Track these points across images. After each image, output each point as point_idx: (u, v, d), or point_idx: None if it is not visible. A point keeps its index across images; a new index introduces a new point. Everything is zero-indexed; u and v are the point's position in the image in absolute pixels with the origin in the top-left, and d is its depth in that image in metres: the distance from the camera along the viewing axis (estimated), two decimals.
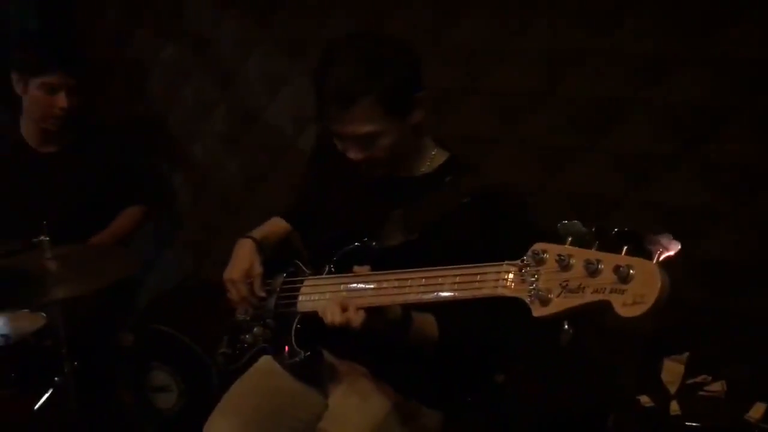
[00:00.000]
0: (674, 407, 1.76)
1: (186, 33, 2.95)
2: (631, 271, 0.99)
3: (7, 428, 2.11)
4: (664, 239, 1.00)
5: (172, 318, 2.69)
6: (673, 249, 1.00)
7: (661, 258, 0.99)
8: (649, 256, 1.00)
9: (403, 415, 1.68)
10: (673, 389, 1.81)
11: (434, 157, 1.68)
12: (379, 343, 1.59)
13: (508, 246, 1.19)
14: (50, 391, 2.13)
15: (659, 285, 0.97)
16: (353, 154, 1.59)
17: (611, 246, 1.03)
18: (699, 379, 1.79)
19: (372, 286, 1.41)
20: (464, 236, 1.34)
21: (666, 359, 1.86)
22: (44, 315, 2.19)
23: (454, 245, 1.29)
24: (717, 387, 1.76)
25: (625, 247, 1.02)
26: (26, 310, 2.24)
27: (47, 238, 2.02)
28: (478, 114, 2.29)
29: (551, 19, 2.08)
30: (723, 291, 1.98)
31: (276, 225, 1.90)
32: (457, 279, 1.26)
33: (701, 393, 1.77)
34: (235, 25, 2.81)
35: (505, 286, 1.17)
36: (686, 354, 1.84)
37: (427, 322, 1.54)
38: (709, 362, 1.81)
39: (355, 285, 1.45)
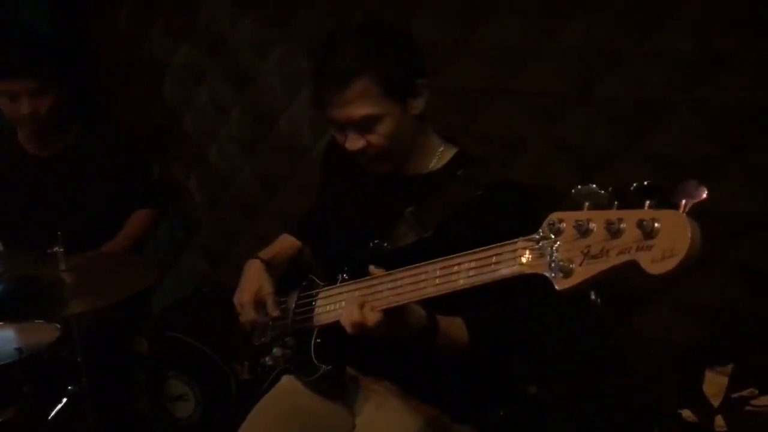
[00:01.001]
0: (719, 422, 1.69)
1: (202, 33, 2.89)
2: (656, 225, 0.91)
3: None
4: (690, 187, 0.93)
5: (189, 325, 2.64)
6: (700, 195, 0.92)
7: (689, 207, 0.91)
8: (674, 208, 0.92)
9: (433, 431, 1.61)
10: (716, 403, 1.73)
11: (442, 153, 1.64)
12: (407, 356, 1.54)
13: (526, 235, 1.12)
14: (64, 401, 2.09)
15: (689, 234, 0.88)
16: (352, 143, 1.54)
17: (632, 203, 0.96)
18: (745, 392, 1.71)
19: (388, 286, 1.35)
20: (480, 229, 1.29)
21: (708, 371, 1.78)
22: (59, 327, 2.15)
23: (470, 239, 1.23)
24: (765, 401, 1.69)
25: (648, 202, 0.94)
26: (40, 322, 2.19)
27: (62, 249, 1.97)
28: (509, 115, 2.22)
29: (587, 18, 2.00)
30: None
31: (285, 242, 1.88)
32: (473, 264, 1.20)
33: (748, 408, 1.69)
34: (252, 24, 2.75)
35: (522, 263, 1.11)
36: (730, 365, 1.76)
37: (455, 325, 1.49)
38: (755, 374, 1.73)
39: (370, 289, 1.40)
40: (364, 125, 1.51)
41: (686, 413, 1.74)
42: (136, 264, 2.20)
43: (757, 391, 1.70)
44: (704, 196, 0.92)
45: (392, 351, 1.53)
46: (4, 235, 2.60)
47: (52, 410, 2.08)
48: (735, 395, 1.71)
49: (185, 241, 3.29)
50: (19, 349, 2.03)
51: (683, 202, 0.92)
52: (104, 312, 2.30)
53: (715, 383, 1.77)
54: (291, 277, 1.74)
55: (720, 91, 1.85)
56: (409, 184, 1.62)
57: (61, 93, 2.39)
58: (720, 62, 1.84)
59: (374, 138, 1.52)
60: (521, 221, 1.14)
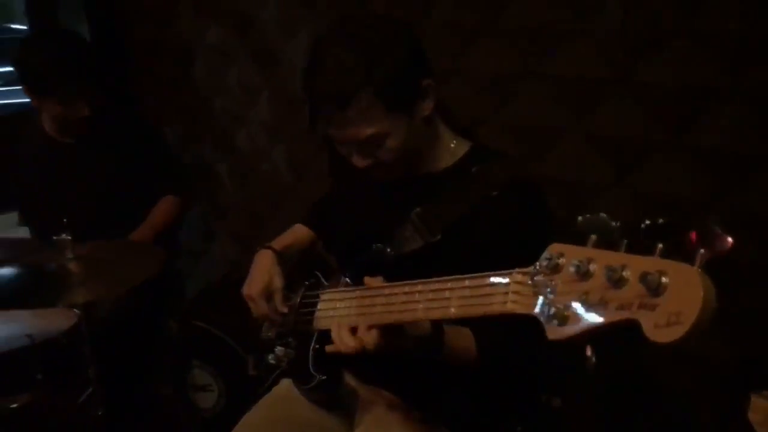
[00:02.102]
0: None
1: (229, 13, 2.82)
2: (664, 279, 0.76)
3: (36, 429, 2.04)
4: (712, 233, 0.78)
5: (215, 314, 2.60)
6: (723, 247, 0.77)
7: (704, 260, 0.76)
8: (689, 258, 0.76)
9: None
10: (762, 431, 1.54)
11: (455, 149, 1.48)
12: (410, 365, 1.42)
13: (544, 246, 0.97)
14: (89, 392, 2.07)
15: (701, 296, 0.73)
16: (358, 161, 1.41)
17: (643, 245, 0.80)
18: None
19: (382, 301, 1.24)
20: (494, 235, 1.18)
21: (754, 396, 1.59)
22: (76, 312, 2.12)
23: (481, 246, 1.14)
24: None
25: (660, 246, 0.79)
26: (54, 309, 2.18)
27: (68, 237, 1.94)
28: (539, 101, 2.05)
29: None
30: None
31: (298, 232, 1.77)
32: (466, 293, 1.08)
33: None
34: (279, 3, 2.65)
35: (515, 301, 0.97)
36: None
37: (463, 336, 1.36)
38: None
39: (365, 300, 1.29)
40: (371, 144, 1.37)
41: None
42: (142, 253, 2.14)
43: None
44: (727, 247, 0.77)
45: (393, 360, 1.41)
46: (29, 219, 2.62)
47: (74, 396, 2.06)
48: None
49: (216, 227, 3.27)
50: (29, 336, 2.00)
51: (701, 252, 0.76)
52: (129, 298, 2.32)
53: (762, 409, 1.58)
54: (302, 270, 1.65)
55: None
56: (418, 183, 1.48)
57: (93, 96, 2.36)
58: None
59: (382, 153, 1.38)
60: (540, 226, 1.00)
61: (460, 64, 2.18)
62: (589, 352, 0.88)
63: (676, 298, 0.75)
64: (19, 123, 2.55)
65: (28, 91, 2.33)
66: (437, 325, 1.29)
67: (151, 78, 3.21)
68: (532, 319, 0.93)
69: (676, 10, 1.75)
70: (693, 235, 0.79)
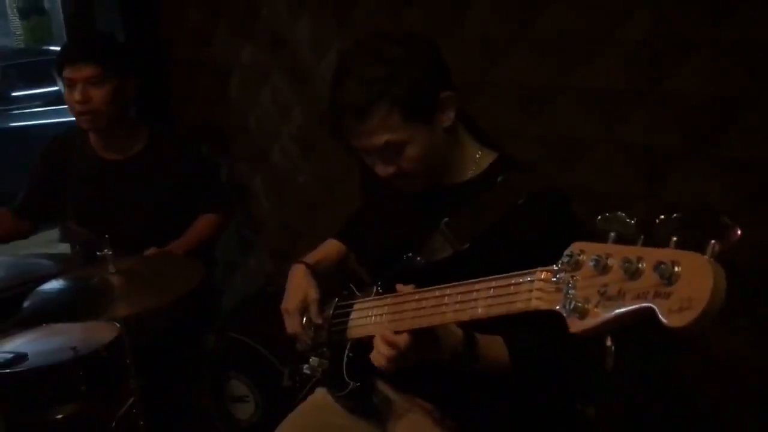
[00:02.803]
0: None
1: (263, 33, 2.89)
2: (677, 269, 0.81)
3: None
4: (722, 225, 0.82)
5: (251, 326, 2.65)
6: (732, 237, 0.81)
7: (716, 250, 0.80)
8: (702, 249, 0.80)
9: None
10: None
11: (480, 159, 1.52)
12: (445, 374, 1.45)
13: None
14: (130, 403, 2.11)
15: (711, 283, 0.77)
16: (381, 170, 1.47)
17: (659, 239, 0.85)
18: None
19: (413, 306, 1.29)
20: (521, 241, 1.22)
21: None
22: (117, 325, 2.18)
23: (508, 253, 1.16)
24: None
25: (674, 239, 0.83)
26: (99, 322, 2.24)
27: (110, 252, 2.00)
28: (569, 112, 2.06)
29: (653, 7, 1.82)
30: None
31: (331, 247, 1.83)
32: (491, 292, 1.13)
33: None
34: (311, 23, 2.71)
35: (539, 297, 1.02)
36: None
37: (496, 344, 1.40)
38: None
39: (397, 307, 1.34)
40: (391, 152, 1.43)
41: None
42: (180, 268, 2.20)
43: None
44: (736, 238, 0.81)
45: (427, 368, 1.44)
46: (72, 234, 2.70)
47: (116, 408, 2.10)
48: None
49: (252, 241, 3.31)
50: (74, 348, 2.07)
51: (711, 243, 0.80)
52: (168, 312, 2.37)
53: None
54: (337, 283, 1.69)
55: None
56: (445, 194, 1.52)
57: (119, 88, 2.43)
58: None
59: (404, 163, 1.44)
60: (565, 234, 1.03)
61: (490, 78, 2.20)
62: (609, 342, 0.93)
63: (688, 286, 0.79)
64: (69, 142, 2.63)
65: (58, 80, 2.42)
66: (470, 334, 1.33)
67: (189, 96, 3.28)
68: (560, 321, 0.95)
69: (702, 21, 1.75)
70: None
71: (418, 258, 1.49)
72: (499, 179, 1.46)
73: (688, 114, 1.83)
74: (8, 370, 1.98)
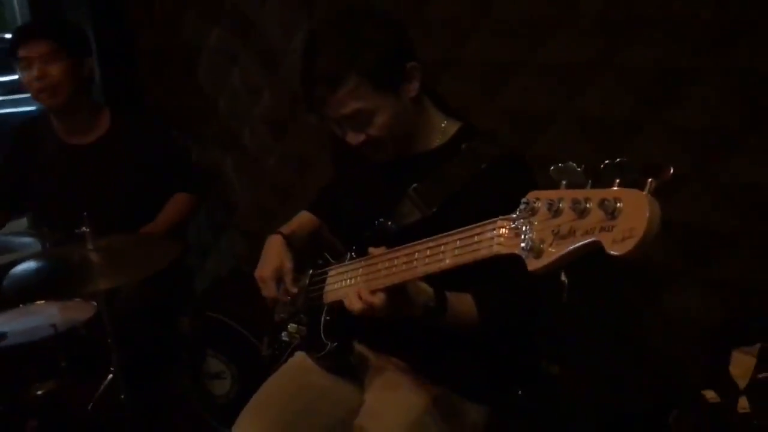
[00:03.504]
0: (743, 404, 1.61)
1: (232, 16, 2.92)
2: (619, 204, 0.90)
3: (60, 417, 2.14)
4: (656, 165, 0.91)
5: (226, 305, 2.70)
6: (665, 175, 0.90)
7: (653, 186, 0.89)
8: (641, 187, 0.90)
9: (444, 410, 1.60)
10: (742, 384, 1.65)
11: (446, 129, 1.60)
12: (416, 333, 1.53)
13: None
14: (110, 377, 2.15)
15: (647, 214, 0.87)
16: (352, 138, 1.53)
17: (604, 182, 0.94)
18: None
19: (386, 265, 1.36)
20: (485, 203, 1.27)
21: (735, 351, 1.70)
22: (95, 304, 2.22)
23: (474, 215, 1.21)
24: None
25: (617, 181, 0.92)
26: (77, 300, 2.28)
27: (88, 230, 2.02)
28: (529, 88, 2.16)
29: None
30: None
31: (304, 219, 1.88)
32: (458, 243, 1.21)
33: None
34: (279, 4, 2.76)
35: (500, 243, 1.11)
36: (758, 345, 1.68)
37: (464, 301, 1.48)
38: None
39: (371, 267, 1.41)
40: (361, 121, 1.49)
41: (710, 394, 1.66)
42: (158, 244, 2.24)
43: None
44: (669, 174, 0.90)
45: (401, 328, 1.53)
46: (42, 221, 2.70)
47: (96, 384, 2.14)
48: (762, 376, 1.63)
49: (224, 223, 3.35)
50: (53, 326, 2.10)
51: (649, 181, 0.90)
52: (143, 291, 2.41)
53: (742, 364, 1.68)
54: (310, 254, 1.75)
55: (746, 59, 1.74)
56: (413, 162, 1.59)
57: (75, 65, 2.44)
58: (745, 29, 1.74)
59: (373, 130, 1.50)
60: (525, 192, 1.11)
61: (454, 56, 2.28)
62: (563, 277, 1.02)
63: (629, 218, 0.89)
64: (32, 129, 2.63)
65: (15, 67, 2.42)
66: (439, 290, 1.41)
67: (157, 81, 3.30)
68: (521, 270, 1.04)
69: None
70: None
71: (389, 223, 1.56)
72: (463, 146, 1.55)
73: (640, 86, 1.93)
74: None
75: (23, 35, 2.43)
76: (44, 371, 2.11)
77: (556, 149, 2.11)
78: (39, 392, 2.09)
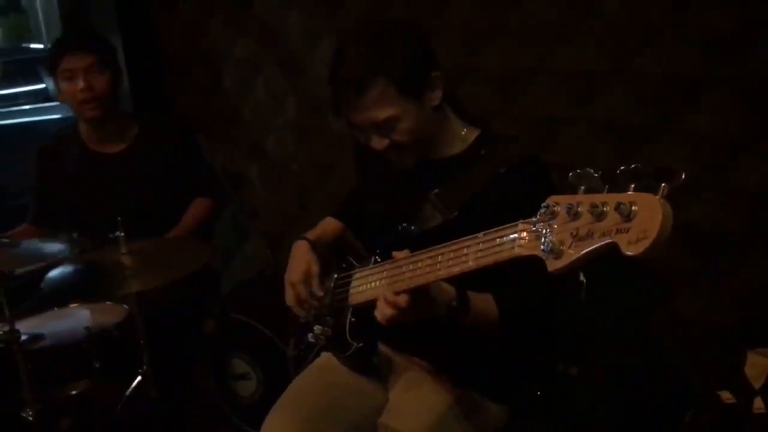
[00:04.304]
0: (758, 404, 1.64)
1: (256, 25, 2.99)
2: (634, 208, 0.95)
3: (92, 416, 2.20)
4: (669, 170, 0.96)
5: (251, 307, 2.75)
6: (677, 179, 0.96)
7: (666, 191, 0.95)
8: (654, 191, 0.96)
9: (465, 408, 1.65)
10: (757, 385, 1.69)
11: (465, 136, 1.65)
12: (439, 334, 1.58)
13: None
14: (139, 378, 2.22)
15: (660, 216, 0.92)
16: (377, 143, 1.58)
17: (620, 187, 0.99)
18: None
19: (410, 268, 1.41)
20: (505, 206, 1.30)
21: (750, 352, 1.73)
22: (126, 307, 2.29)
23: (494, 217, 1.25)
24: None
25: (632, 185, 0.98)
26: (108, 303, 2.35)
27: (122, 234, 2.09)
28: (546, 95, 2.21)
29: None
30: None
31: (329, 224, 1.93)
32: (480, 246, 1.26)
33: None
34: (302, 14, 2.82)
35: (521, 245, 1.16)
36: None
37: (485, 301, 1.52)
38: None
39: (395, 270, 1.45)
40: (386, 126, 1.54)
41: (725, 395, 1.70)
42: (189, 247, 2.31)
43: None
44: (681, 179, 0.95)
45: (425, 329, 1.57)
46: (73, 228, 2.77)
47: (126, 384, 2.22)
48: None
49: (249, 227, 3.42)
50: (87, 328, 2.18)
51: (662, 185, 0.95)
52: (172, 294, 2.47)
53: (757, 365, 1.72)
54: (335, 258, 1.80)
55: (756, 66, 1.78)
56: (434, 168, 1.64)
57: (115, 78, 2.53)
58: (755, 37, 1.78)
59: (397, 136, 1.55)
60: (544, 195, 1.15)
61: (473, 64, 2.33)
62: (581, 278, 1.08)
63: (643, 220, 0.94)
64: (59, 144, 2.70)
65: (50, 79, 2.50)
66: (462, 290, 1.45)
67: (184, 88, 3.38)
68: (541, 271, 1.09)
69: (666, 7, 1.90)
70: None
71: (412, 227, 1.61)
72: (482, 152, 1.60)
73: (654, 92, 1.97)
74: (28, 349, 2.08)
75: (67, 47, 2.50)
76: (78, 372, 2.18)
77: (572, 154, 2.15)
78: (73, 392, 2.16)
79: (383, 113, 1.51)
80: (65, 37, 2.55)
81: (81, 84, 2.46)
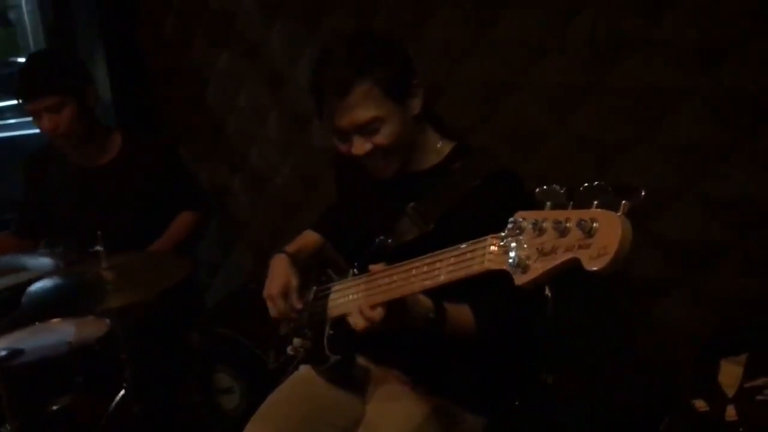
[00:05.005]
0: (730, 413, 1.66)
1: (239, 40, 3.02)
2: (595, 224, 0.99)
3: (75, 431, 2.20)
4: (629, 188, 0.99)
5: (235, 320, 2.74)
6: (637, 197, 0.99)
7: (627, 208, 0.98)
8: (615, 208, 0.99)
9: (442, 420, 1.66)
10: (730, 393, 1.70)
11: (441, 148, 1.67)
12: (416, 346, 1.59)
13: None
14: (122, 392, 2.22)
15: (619, 233, 0.96)
16: (358, 148, 1.58)
17: (584, 203, 1.02)
18: (758, 382, 1.68)
19: (385, 281, 1.43)
20: (479, 218, 1.33)
21: (723, 360, 1.76)
22: (108, 321, 2.28)
23: (470, 229, 1.27)
24: None
25: (595, 202, 1.01)
26: (90, 317, 2.34)
27: (102, 248, 2.09)
28: (524, 108, 2.24)
29: (596, 9, 2.01)
30: None
31: (308, 237, 1.95)
32: (452, 260, 1.28)
33: (760, 397, 1.65)
34: (284, 30, 2.85)
35: (490, 260, 1.19)
36: (745, 355, 1.73)
37: (462, 311, 1.54)
38: None
39: (372, 284, 1.47)
40: (369, 128, 1.55)
41: (699, 403, 1.71)
42: (169, 262, 2.31)
43: None
44: (641, 198, 0.99)
45: (402, 341, 1.59)
46: (57, 241, 2.78)
47: (109, 399, 2.21)
48: (748, 385, 1.68)
49: (233, 240, 3.43)
50: (69, 343, 2.17)
51: (623, 203, 0.98)
52: (154, 308, 2.47)
53: (730, 373, 1.73)
54: (314, 271, 1.81)
55: (730, 79, 1.82)
56: (411, 181, 1.66)
57: (81, 104, 2.51)
58: (727, 49, 1.81)
59: (380, 139, 1.56)
60: (517, 208, 1.17)
61: (453, 78, 2.36)
62: (547, 291, 1.11)
63: (603, 237, 0.98)
64: (46, 155, 2.70)
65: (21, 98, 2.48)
66: (438, 301, 1.47)
67: (168, 102, 3.40)
68: (527, 294, 1.11)
69: (640, 20, 1.93)
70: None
71: (389, 240, 1.63)
72: (457, 165, 1.62)
73: (630, 106, 2.00)
74: (7, 365, 2.07)
75: (26, 94, 2.48)
76: (60, 387, 2.17)
77: (551, 166, 2.18)
78: (55, 407, 2.15)
79: (368, 114, 1.53)
80: (22, 81, 2.53)
81: (46, 124, 2.47)
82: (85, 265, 2.16)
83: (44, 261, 2.36)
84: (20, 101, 2.49)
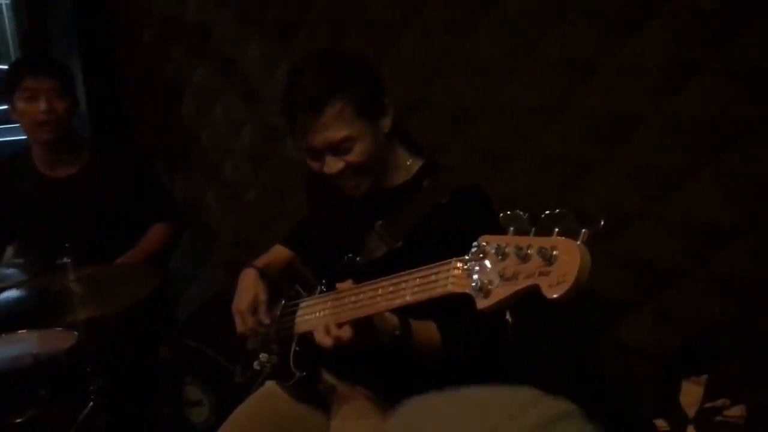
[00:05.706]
0: None
1: (215, 54, 3.03)
2: (555, 252, 1.00)
3: None
4: (588, 216, 1.00)
5: (205, 333, 2.73)
6: (597, 225, 1.00)
7: (586, 236, 0.99)
8: (575, 236, 1.00)
9: None
10: (691, 413, 1.73)
11: (410, 166, 1.68)
12: (381, 363, 1.60)
13: None
14: (90, 406, 2.19)
15: (578, 261, 0.96)
16: (331, 167, 1.58)
17: (546, 229, 1.03)
18: (718, 402, 1.70)
19: (352, 300, 1.43)
20: (447, 236, 1.34)
21: (685, 381, 1.78)
22: (76, 333, 2.26)
23: (438, 247, 1.28)
24: (736, 412, 1.67)
25: (556, 229, 1.02)
26: (58, 329, 2.32)
27: (70, 260, 2.08)
28: (492, 129, 2.26)
29: (563, 32, 2.04)
30: (746, 307, 1.88)
31: (278, 252, 1.95)
32: (417, 281, 1.29)
33: (719, 418, 1.68)
34: (260, 45, 2.86)
35: (454, 283, 1.20)
36: (705, 376, 1.76)
37: (428, 329, 1.55)
38: (729, 385, 1.72)
39: (338, 301, 1.48)
40: (342, 147, 1.55)
41: (660, 423, 1.74)
42: (138, 274, 2.30)
43: (729, 402, 1.68)
44: (600, 226, 1.00)
45: (368, 358, 1.60)
46: (24, 252, 2.75)
47: (76, 412, 2.18)
48: (708, 405, 1.71)
49: (206, 253, 3.42)
50: (35, 354, 2.16)
51: (583, 231, 0.99)
52: (124, 320, 2.46)
53: (692, 393, 1.76)
54: (283, 285, 1.81)
55: (696, 100, 1.85)
56: (380, 198, 1.67)
57: (73, 103, 2.53)
58: (690, 73, 1.85)
59: (353, 157, 1.56)
60: (484, 225, 1.18)
61: (423, 97, 2.39)
62: (507, 316, 1.12)
63: (563, 264, 0.99)
64: (11, 164, 2.68)
65: (6, 99, 2.48)
66: (404, 319, 1.48)
67: (143, 114, 3.40)
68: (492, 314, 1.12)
69: (607, 43, 1.96)
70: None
71: (358, 258, 1.64)
72: (425, 183, 1.63)
73: (595, 127, 2.04)
74: None
75: (33, 67, 2.50)
76: (24, 400, 2.15)
77: (519, 185, 2.20)
78: (18, 420, 2.12)
79: (340, 133, 1.53)
80: (29, 58, 2.54)
81: (43, 105, 2.45)
82: (53, 276, 2.14)
83: (10, 272, 2.33)
84: (18, 77, 2.46)
